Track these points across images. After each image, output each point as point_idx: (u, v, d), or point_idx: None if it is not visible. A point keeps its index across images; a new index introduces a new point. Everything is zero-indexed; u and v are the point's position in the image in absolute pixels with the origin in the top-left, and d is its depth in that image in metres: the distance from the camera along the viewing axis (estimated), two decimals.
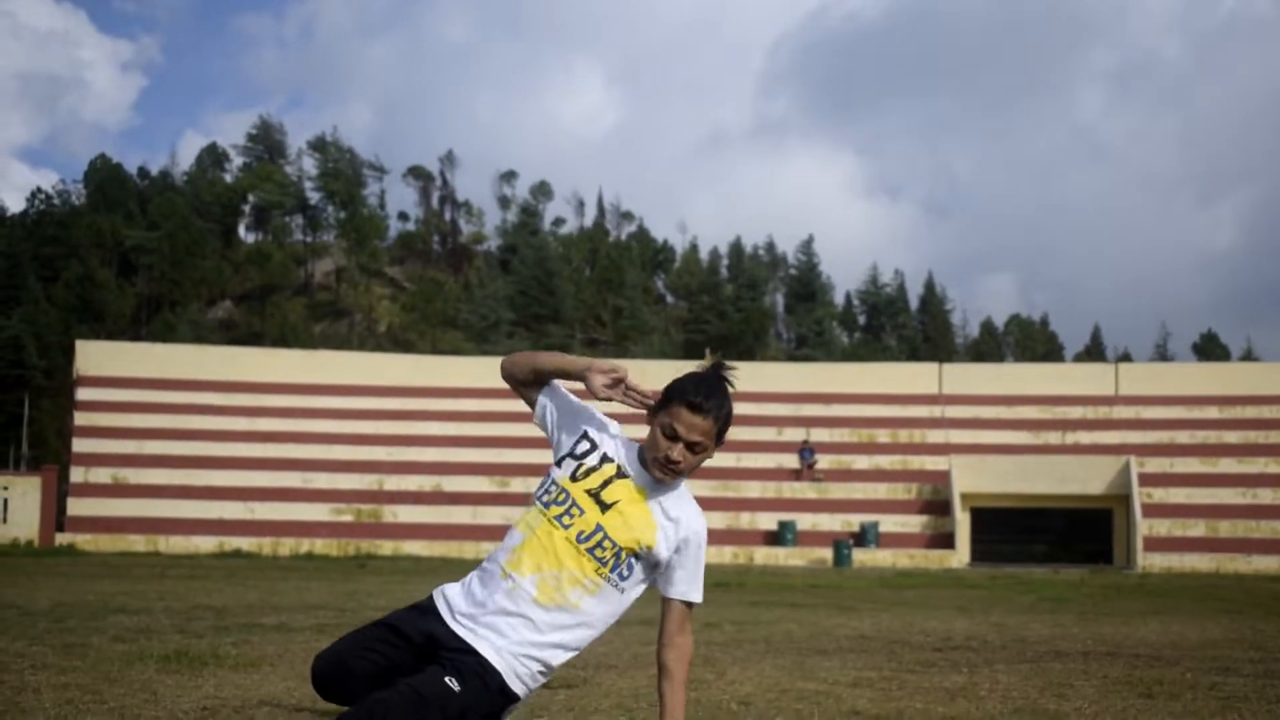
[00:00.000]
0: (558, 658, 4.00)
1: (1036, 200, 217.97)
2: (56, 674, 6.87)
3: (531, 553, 4.02)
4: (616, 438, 4.22)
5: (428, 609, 4.03)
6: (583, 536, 4.00)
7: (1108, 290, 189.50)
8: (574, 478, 4.11)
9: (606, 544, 4.00)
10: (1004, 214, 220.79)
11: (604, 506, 4.04)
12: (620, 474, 4.11)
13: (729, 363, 4.29)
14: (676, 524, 4.10)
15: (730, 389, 4.21)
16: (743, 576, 26.61)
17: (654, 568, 4.11)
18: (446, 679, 3.81)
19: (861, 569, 35.51)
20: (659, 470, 4.08)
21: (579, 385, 4.25)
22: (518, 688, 3.92)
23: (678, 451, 4.06)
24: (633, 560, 4.04)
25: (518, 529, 4.10)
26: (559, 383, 4.31)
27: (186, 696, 6.16)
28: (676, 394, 4.10)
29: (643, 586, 4.15)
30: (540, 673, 3.97)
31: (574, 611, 3.98)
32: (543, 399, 4.30)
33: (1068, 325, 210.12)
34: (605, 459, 4.14)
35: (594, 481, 4.09)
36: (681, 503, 4.15)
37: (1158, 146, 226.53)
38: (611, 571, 4.01)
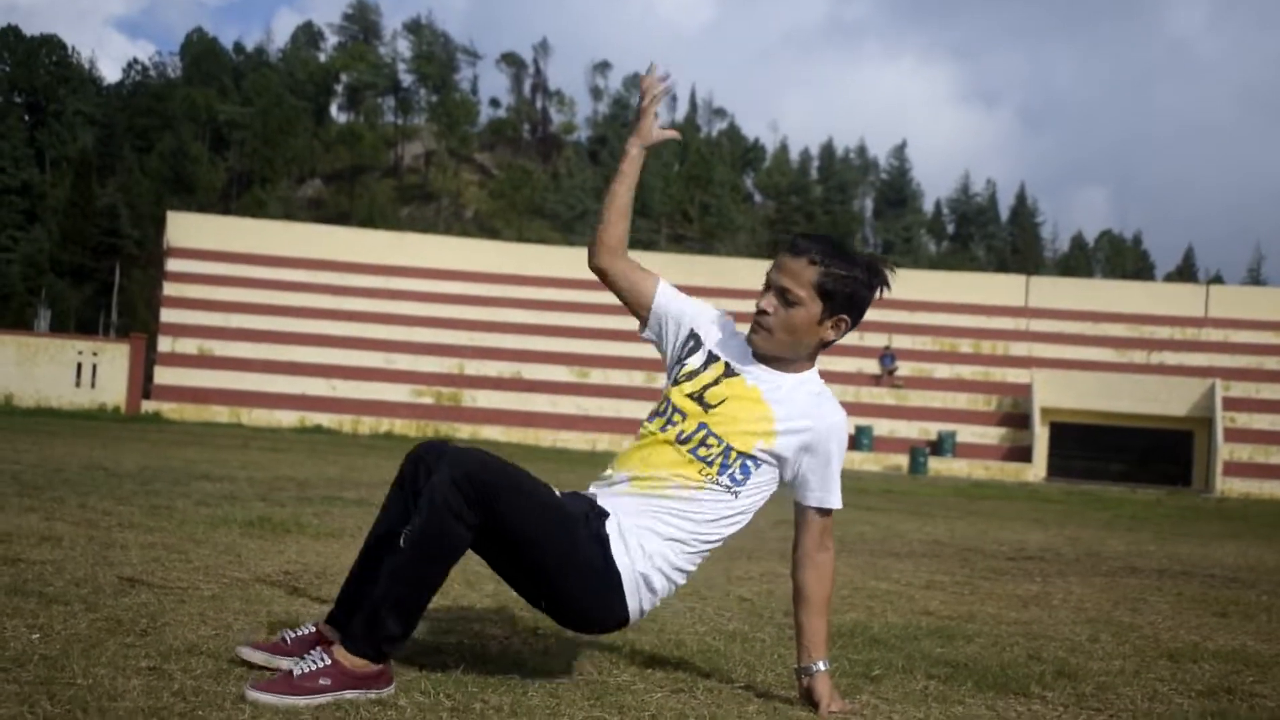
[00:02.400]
0: (662, 548, 3.68)
1: (1134, 114, 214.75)
2: (143, 533, 7.02)
3: (631, 455, 3.81)
4: (730, 335, 3.92)
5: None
6: (683, 437, 3.72)
7: (1203, 210, 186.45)
8: (676, 382, 3.85)
9: (712, 442, 3.69)
10: (1100, 127, 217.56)
11: (707, 407, 3.73)
12: (729, 372, 3.79)
13: (887, 261, 3.86)
14: (806, 419, 3.73)
15: (866, 272, 3.74)
16: None
17: (780, 472, 3.78)
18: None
19: (937, 477, 35.45)
20: (752, 331, 3.78)
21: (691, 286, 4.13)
22: (622, 560, 3.63)
23: (766, 300, 3.73)
24: (748, 462, 3.71)
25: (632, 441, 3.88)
26: (665, 287, 3.95)
27: (269, 560, 6.28)
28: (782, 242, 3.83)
29: (765, 493, 3.83)
30: (656, 561, 3.67)
31: (672, 511, 3.69)
32: (653, 310, 3.92)
33: (1160, 244, 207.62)
34: (711, 358, 3.83)
35: (697, 384, 3.79)
36: (811, 398, 3.78)
37: (1260, 64, 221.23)
38: (721, 474, 3.69)
